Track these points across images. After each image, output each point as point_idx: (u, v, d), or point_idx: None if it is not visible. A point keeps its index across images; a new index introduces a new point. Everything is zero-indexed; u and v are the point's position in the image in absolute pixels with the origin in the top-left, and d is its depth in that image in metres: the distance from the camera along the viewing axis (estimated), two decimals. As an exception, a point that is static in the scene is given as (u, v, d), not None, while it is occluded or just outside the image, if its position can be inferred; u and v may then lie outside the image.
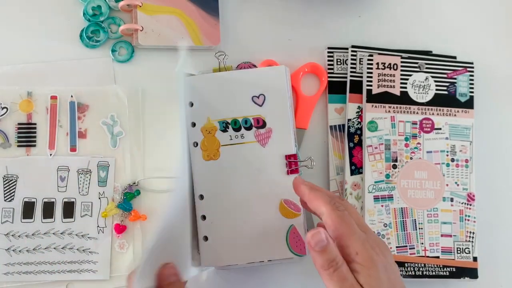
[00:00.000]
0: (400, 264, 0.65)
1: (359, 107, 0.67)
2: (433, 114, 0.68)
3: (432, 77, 0.68)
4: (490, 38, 0.74)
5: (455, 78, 0.69)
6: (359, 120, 0.67)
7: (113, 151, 0.63)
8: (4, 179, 0.61)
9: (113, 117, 0.63)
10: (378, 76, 0.67)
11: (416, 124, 0.67)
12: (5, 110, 0.62)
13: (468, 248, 0.66)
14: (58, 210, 0.61)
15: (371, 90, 0.67)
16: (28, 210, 0.61)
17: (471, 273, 0.66)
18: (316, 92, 0.68)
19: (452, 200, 0.67)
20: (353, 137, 0.67)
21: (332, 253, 0.46)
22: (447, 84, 0.69)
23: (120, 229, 0.61)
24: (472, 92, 0.69)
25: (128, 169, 0.63)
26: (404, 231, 0.65)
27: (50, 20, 0.64)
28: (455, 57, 0.70)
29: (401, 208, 0.66)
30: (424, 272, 0.65)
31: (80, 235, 0.61)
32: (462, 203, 0.67)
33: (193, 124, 0.60)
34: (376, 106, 0.67)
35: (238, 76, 0.60)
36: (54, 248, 0.61)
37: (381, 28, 0.71)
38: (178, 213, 0.53)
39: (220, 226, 0.58)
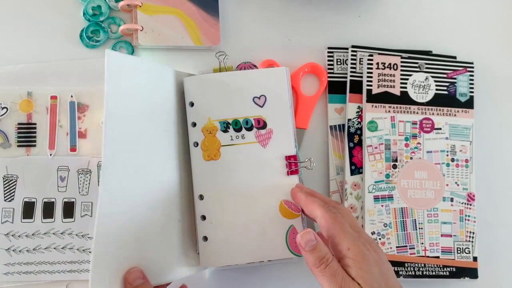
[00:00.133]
0: (400, 264, 0.65)
1: (359, 107, 0.67)
2: (433, 114, 0.68)
3: (432, 77, 0.68)
4: (490, 38, 0.74)
5: (455, 78, 0.69)
6: (359, 120, 0.67)
7: (113, 151, 0.63)
8: (4, 179, 0.61)
9: (113, 117, 0.63)
10: (378, 76, 0.67)
11: (416, 124, 0.67)
12: (5, 110, 0.62)
13: (468, 248, 0.66)
14: (58, 210, 0.61)
15: (371, 90, 0.67)
16: (28, 210, 0.61)
17: (471, 273, 0.66)
18: (316, 92, 0.68)
19: (452, 200, 0.67)
20: (353, 137, 0.67)
21: (322, 251, 0.49)
22: (447, 84, 0.69)
23: (120, 229, 0.61)
24: (472, 92, 0.69)
25: (128, 169, 0.63)
26: (404, 231, 0.65)
27: (50, 20, 0.64)
28: (455, 57, 0.70)
29: (401, 208, 0.66)
30: (424, 272, 0.65)
31: (80, 235, 0.61)
32: (462, 203, 0.67)
33: (194, 124, 0.60)
34: (376, 106, 0.67)
35: (239, 77, 0.60)
36: (54, 248, 0.61)
37: (381, 28, 0.71)
38: (155, 214, 0.54)
39: (220, 226, 0.58)
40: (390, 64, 0.68)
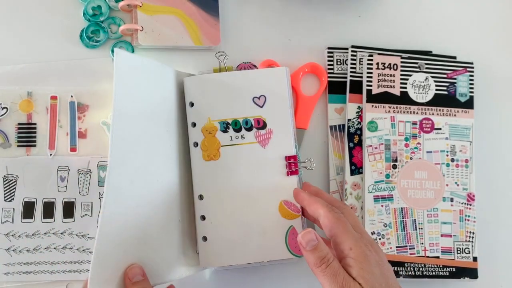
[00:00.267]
0: (400, 264, 0.65)
1: (359, 107, 0.67)
2: (433, 114, 0.68)
3: (432, 77, 0.68)
4: (490, 38, 0.74)
5: (455, 78, 0.69)
6: (359, 120, 0.67)
7: (113, 151, 0.63)
8: (4, 179, 0.61)
9: (113, 117, 0.63)
10: (378, 76, 0.67)
11: (416, 124, 0.67)
12: (5, 110, 0.62)
13: (468, 248, 0.66)
14: (58, 210, 0.61)
15: (371, 90, 0.67)
16: (28, 210, 0.61)
17: (471, 273, 0.66)
18: (316, 92, 0.68)
19: (452, 200, 0.67)
20: (353, 137, 0.67)
21: (323, 251, 0.49)
22: (447, 84, 0.69)
23: (120, 229, 0.61)
24: (472, 92, 0.69)
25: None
26: (404, 231, 0.65)
27: (50, 20, 0.64)
28: (455, 57, 0.70)
29: (401, 208, 0.66)
30: (424, 272, 0.65)
31: (80, 235, 0.61)
32: (462, 203, 0.67)
33: (194, 124, 0.60)
34: (376, 106, 0.67)
35: (239, 77, 0.60)
36: (54, 248, 0.61)
37: (381, 28, 0.71)
38: (155, 214, 0.54)
39: (220, 227, 0.58)
40: (390, 64, 0.68)
